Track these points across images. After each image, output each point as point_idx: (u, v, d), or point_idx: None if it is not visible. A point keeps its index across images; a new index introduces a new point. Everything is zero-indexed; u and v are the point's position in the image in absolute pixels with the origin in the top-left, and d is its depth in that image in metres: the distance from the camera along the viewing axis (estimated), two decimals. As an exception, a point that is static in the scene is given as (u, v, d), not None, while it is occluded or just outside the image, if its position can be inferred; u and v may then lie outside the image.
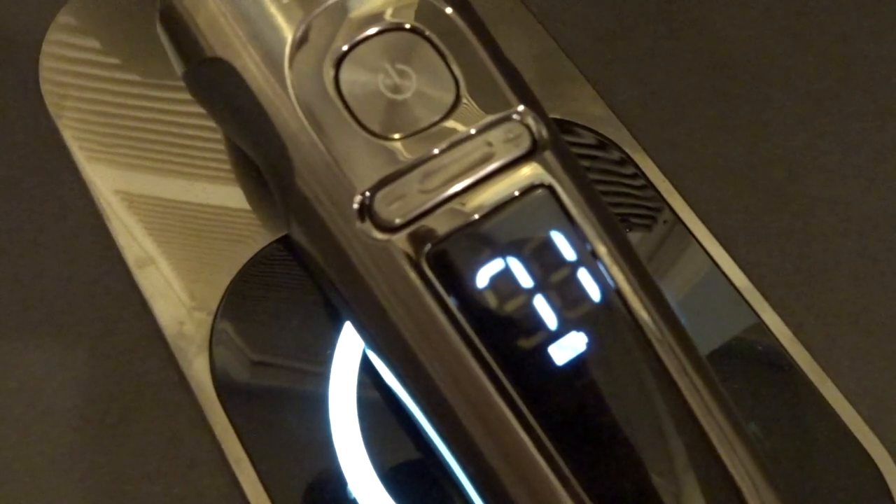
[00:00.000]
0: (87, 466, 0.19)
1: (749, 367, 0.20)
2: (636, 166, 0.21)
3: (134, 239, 0.19)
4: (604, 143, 0.21)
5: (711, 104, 0.24)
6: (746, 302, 0.20)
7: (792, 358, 0.19)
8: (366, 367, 0.17)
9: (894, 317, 0.22)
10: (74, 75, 0.21)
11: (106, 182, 0.20)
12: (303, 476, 0.17)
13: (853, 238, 0.23)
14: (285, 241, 0.19)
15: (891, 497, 0.18)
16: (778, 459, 0.18)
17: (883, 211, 0.23)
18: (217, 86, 0.15)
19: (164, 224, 0.20)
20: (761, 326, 0.20)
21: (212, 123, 0.19)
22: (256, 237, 0.19)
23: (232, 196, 0.20)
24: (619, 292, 0.13)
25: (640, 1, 0.25)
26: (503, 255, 0.13)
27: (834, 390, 0.19)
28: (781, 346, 0.19)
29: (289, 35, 0.14)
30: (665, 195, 0.20)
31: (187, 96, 0.17)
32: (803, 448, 0.19)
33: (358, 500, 0.17)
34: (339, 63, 0.14)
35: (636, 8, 0.25)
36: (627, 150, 0.21)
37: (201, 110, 0.18)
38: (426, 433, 0.14)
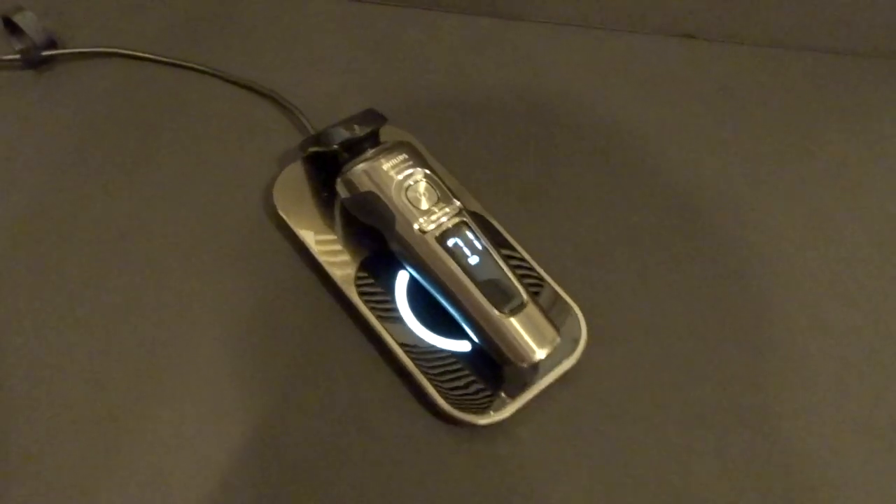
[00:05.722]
0: (292, 344, 0.54)
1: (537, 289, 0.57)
2: (490, 223, 0.58)
3: (328, 254, 0.55)
4: (480, 217, 0.59)
5: (533, 195, 0.63)
6: (535, 268, 0.57)
7: (546, 280, 0.56)
8: (412, 280, 0.54)
9: (609, 252, 0.60)
10: (289, 196, 0.57)
11: (309, 237, 0.55)
12: (385, 315, 0.53)
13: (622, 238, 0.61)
14: (379, 254, 0.55)
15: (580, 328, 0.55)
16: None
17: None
18: (361, 200, 0.52)
19: (337, 249, 0.55)
20: (541, 277, 0.57)
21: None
22: (366, 250, 0.55)
23: (353, 236, 0.56)
24: (485, 246, 0.51)
25: (513, 153, 0.64)
26: (455, 237, 0.50)
27: (555, 284, 0.56)
28: (544, 278, 0.57)
29: (392, 183, 0.51)
30: (504, 234, 0.58)
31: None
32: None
33: (404, 319, 0.52)
34: (406, 190, 0.51)
35: (510, 156, 0.64)
36: (488, 218, 0.59)
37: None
38: (434, 294, 0.51)
